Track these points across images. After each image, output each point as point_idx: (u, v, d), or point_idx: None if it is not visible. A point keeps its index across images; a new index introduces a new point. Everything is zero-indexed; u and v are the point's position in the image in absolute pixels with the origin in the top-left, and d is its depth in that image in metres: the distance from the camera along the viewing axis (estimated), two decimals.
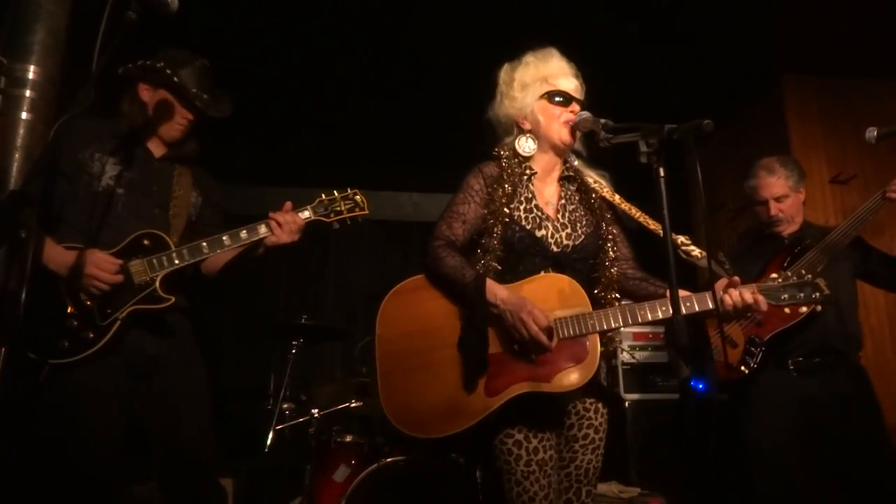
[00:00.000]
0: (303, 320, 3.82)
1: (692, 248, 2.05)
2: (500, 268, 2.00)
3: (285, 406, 3.66)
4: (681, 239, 2.07)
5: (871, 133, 2.58)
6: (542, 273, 2.02)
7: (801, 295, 1.95)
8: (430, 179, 5.66)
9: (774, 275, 2.02)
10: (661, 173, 1.59)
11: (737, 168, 4.60)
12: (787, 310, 1.99)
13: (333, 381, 4.05)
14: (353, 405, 3.64)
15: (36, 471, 2.03)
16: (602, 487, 3.59)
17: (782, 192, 2.89)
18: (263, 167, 5.25)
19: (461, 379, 1.91)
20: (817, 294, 1.95)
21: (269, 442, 3.49)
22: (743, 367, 2.76)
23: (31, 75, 1.84)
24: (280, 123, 4.75)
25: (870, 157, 3.98)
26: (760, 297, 1.93)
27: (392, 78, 4.29)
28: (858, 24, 3.64)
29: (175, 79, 2.26)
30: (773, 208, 2.90)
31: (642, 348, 4.13)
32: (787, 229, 2.92)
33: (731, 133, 4.58)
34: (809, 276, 1.97)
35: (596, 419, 2.07)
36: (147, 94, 2.31)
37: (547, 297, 1.95)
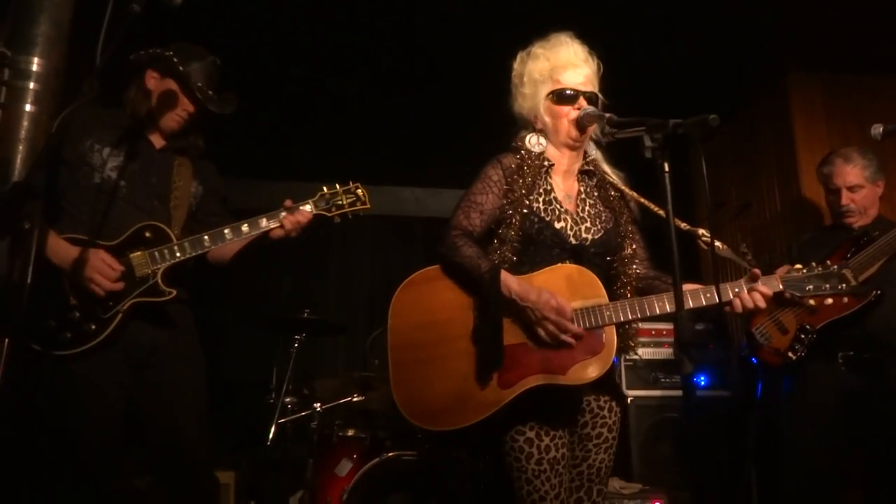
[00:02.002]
0: (305, 314, 3.82)
1: (715, 241, 2.05)
2: (515, 259, 1.99)
3: (287, 400, 3.66)
4: (701, 231, 2.08)
5: (877, 130, 2.56)
6: (559, 264, 2.00)
7: (827, 286, 1.91)
8: (433, 174, 5.67)
9: (799, 266, 1.99)
10: (666, 168, 1.59)
11: (742, 165, 4.59)
12: (812, 301, 1.95)
13: (336, 376, 4.06)
14: (355, 399, 3.65)
15: (37, 461, 2.04)
16: None
17: (856, 182, 2.84)
18: (264, 161, 5.24)
19: (474, 371, 1.90)
20: (843, 285, 1.90)
21: (271, 436, 3.50)
22: (790, 354, 2.72)
23: (34, 67, 1.84)
24: (281, 117, 4.74)
25: (875, 153, 3.95)
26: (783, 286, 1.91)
27: (395, 72, 4.27)
28: (863, 21, 3.62)
29: (181, 68, 2.26)
30: (845, 198, 2.84)
31: (644, 345, 4.12)
32: (859, 221, 2.86)
33: (736, 131, 4.56)
34: (835, 266, 1.94)
35: (610, 418, 2.06)
36: (153, 82, 2.32)
37: (562, 287, 1.94)
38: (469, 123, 4.00)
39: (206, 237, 2.21)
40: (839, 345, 2.68)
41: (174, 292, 2.17)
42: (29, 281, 1.54)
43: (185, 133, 2.39)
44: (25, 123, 1.81)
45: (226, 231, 2.23)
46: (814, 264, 1.96)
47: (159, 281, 2.15)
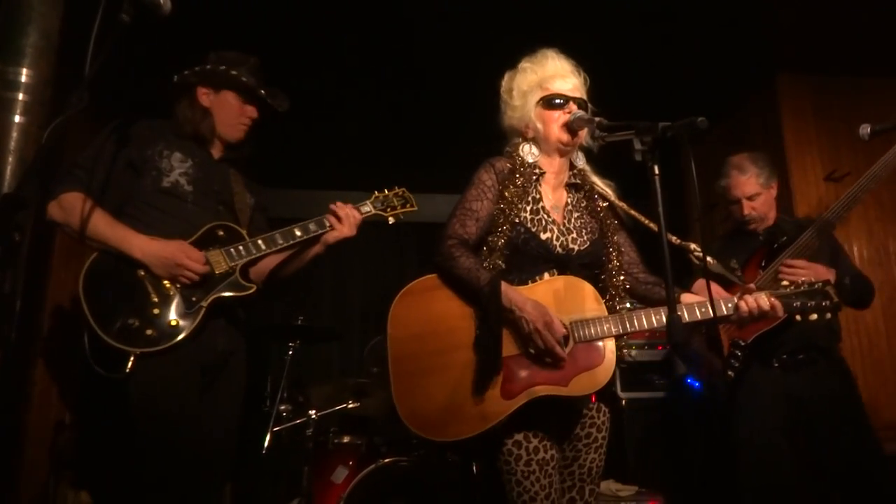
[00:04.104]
0: (299, 321, 3.81)
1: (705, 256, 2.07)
2: (504, 266, 1.99)
3: (283, 408, 3.65)
4: (692, 246, 2.11)
5: (865, 130, 2.59)
6: (548, 275, 2.01)
7: (812, 303, 1.95)
8: (427, 180, 5.64)
9: (786, 282, 2.03)
10: (656, 171, 1.59)
11: None
12: (798, 317, 1.98)
13: (330, 383, 4.04)
14: (350, 406, 3.64)
15: (126, 460, 2.07)
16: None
17: (754, 191, 2.91)
18: (253, 168, 5.23)
19: (477, 381, 1.89)
20: (827, 302, 1.94)
21: (266, 444, 3.48)
22: (729, 372, 2.77)
23: (23, 78, 1.84)
24: (276, 125, 4.73)
25: (864, 154, 3.98)
26: (777, 303, 1.94)
27: (389, 78, 4.28)
28: (852, 22, 3.65)
29: (243, 78, 2.34)
30: (747, 207, 2.91)
31: (639, 346, 4.13)
32: (761, 226, 2.94)
33: (726, 132, 4.58)
34: (819, 283, 1.97)
35: (599, 418, 2.07)
36: (207, 98, 2.37)
37: (564, 298, 1.94)
38: (461, 128, 4.01)
39: (277, 235, 2.28)
40: (772, 350, 2.74)
41: (255, 286, 2.23)
42: (20, 293, 1.53)
43: (247, 141, 2.46)
44: (15, 134, 1.81)
45: (296, 230, 2.30)
46: (800, 281, 2.00)
47: (239, 276, 2.20)
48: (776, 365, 2.75)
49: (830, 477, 2.73)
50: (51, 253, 3.40)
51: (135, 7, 1.68)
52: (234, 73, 2.33)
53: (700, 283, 2.10)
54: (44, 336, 3.34)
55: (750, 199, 2.91)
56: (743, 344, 2.74)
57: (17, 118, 1.81)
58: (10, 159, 1.79)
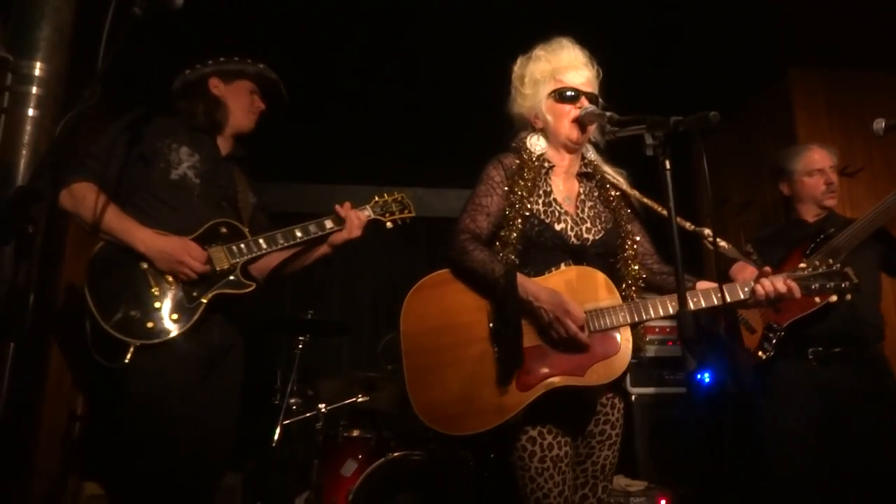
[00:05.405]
0: (309, 315, 3.83)
1: (719, 240, 2.07)
2: (517, 261, 1.99)
3: (292, 401, 3.67)
4: (707, 231, 2.11)
5: (879, 125, 2.57)
6: (564, 266, 2.01)
7: (831, 284, 1.95)
8: (436, 174, 5.67)
9: (803, 264, 2.03)
10: (668, 166, 1.59)
11: (743, 162, 4.58)
12: (817, 298, 1.98)
13: (340, 376, 4.06)
14: (359, 400, 3.65)
15: (123, 451, 2.10)
16: None
17: (833, 163, 2.92)
18: (265, 163, 5.23)
19: (492, 374, 1.89)
20: (846, 283, 1.94)
21: (276, 437, 3.50)
22: (760, 353, 2.75)
23: (37, 72, 1.84)
24: (282, 119, 4.73)
25: (878, 149, 3.95)
26: (794, 285, 1.93)
27: (396, 72, 4.28)
28: (865, 16, 3.61)
29: (260, 65, 2.43)
30: (833, 174, 2.90)
31: (649, 342, 4.11)
32: (819, 214, 2.92)
33: (738, 127, 4.55)
34: (838, 265, 1.96)
35: (613, 415, 2.07)
36: (218, 89, 2.41)
37: (576, 289, 1.94)
38: (472, 122, 3.99)
39: (279, 235, 2.31)
40: (808, 341, 2.71)
41: (254, 285, 2.26)
42: (34, 285, 1.54)
43: (251, 136, 2.50)
44: (28, 128, 1.82)
45: (296, 231, 2.34)
46: (817, 263, 2.00)
47: (239, 274, 2.23)
48: (811, 357, 2.72)
49: (858, 474, 2.69)
50: (63, 245, 3.42)
51: (147, 0, 1.69)
52: (249, 61, 2.42)
53: (732, 269, 2.09)
54: (56, 328, 3.37)
55: (832, 169, 2.91)
56: (777, 328, 2.72)
57: (31, 111, 1.82)
58: (25, 152, 1.80)
